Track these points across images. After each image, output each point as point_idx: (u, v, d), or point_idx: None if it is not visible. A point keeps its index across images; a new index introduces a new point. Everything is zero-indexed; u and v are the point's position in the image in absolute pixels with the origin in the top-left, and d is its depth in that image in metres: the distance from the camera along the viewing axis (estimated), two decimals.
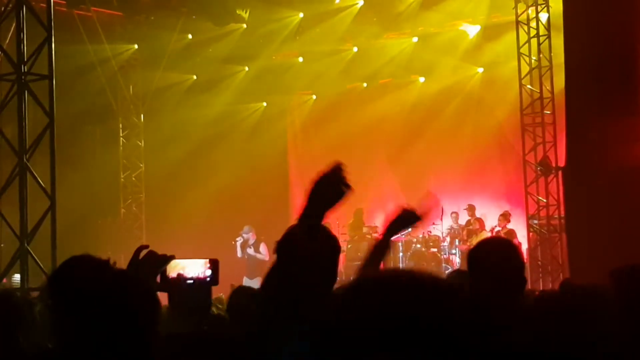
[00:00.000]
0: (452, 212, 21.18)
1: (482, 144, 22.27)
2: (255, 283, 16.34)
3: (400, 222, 3.90)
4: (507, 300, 3.65)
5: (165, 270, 3.64)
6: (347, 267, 21.52)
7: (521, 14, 19.12)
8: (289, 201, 25.45)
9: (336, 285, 3.59)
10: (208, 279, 3.68)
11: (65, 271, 3.37)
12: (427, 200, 3.99)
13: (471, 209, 20.96)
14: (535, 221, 19.18)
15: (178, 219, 22.50)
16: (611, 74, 12.72)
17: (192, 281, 3.68)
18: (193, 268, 3.74)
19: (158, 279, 3.63)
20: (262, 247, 19.87)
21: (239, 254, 19.85)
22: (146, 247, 3.67)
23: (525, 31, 19.14)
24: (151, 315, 2.98)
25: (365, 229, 22.18)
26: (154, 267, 3.60)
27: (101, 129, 22.60)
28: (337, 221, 22.30)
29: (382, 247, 3.94)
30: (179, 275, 3.72)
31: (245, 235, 20.13)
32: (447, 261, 20.71)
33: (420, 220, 3.90)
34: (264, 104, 25.28)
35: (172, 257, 3.65)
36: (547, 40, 18.87)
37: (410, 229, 3.94)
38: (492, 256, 3.71)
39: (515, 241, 19.03)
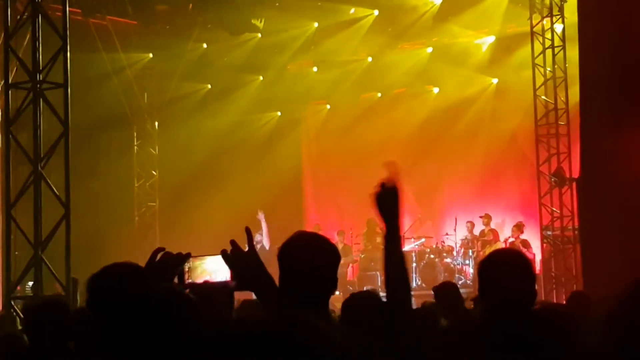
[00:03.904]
0: (468, 222, 21.13)
1: (496, 154, 22.21)
2: None
3: (385, 203, 3.67)
4: (517, 313, 3.63)
5: (182, 271, 3.66)
6: (360, 277, 21.49)
7: (536, 25, 19.09)
8: (303, 209, 25.45)
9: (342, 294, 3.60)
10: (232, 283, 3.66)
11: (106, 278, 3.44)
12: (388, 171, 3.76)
13: (487, 218, 20.92)
14: (549, 232, 19.12)
15: (192, 227, 22.52)
16: (626, 85, 12.69)
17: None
18: (220, 273, 3.73)
19: (175, 279, 3.66)
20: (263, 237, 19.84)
21: None
22: (162, 249, 3.71)
23: (540, 42, 19.11)
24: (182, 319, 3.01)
25: (379, 239, 22.11)
26: (172, 268, 3.62)
27: (116, 137, 22.66)
28: (350, 231, 22.30)
29: (391, 238, 3.67)
30: (205, 282, 3.73)
31: (258, 237, 20.02)
32: (460, 271, 20.66)
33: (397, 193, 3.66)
34: (279, 113, 25.29)
35: (189, 256, 3.68)
36: (562, 51, 18.84)
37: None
38: (503, 268, 3.67)
39: (529, 252, 19.00)
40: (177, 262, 3.66)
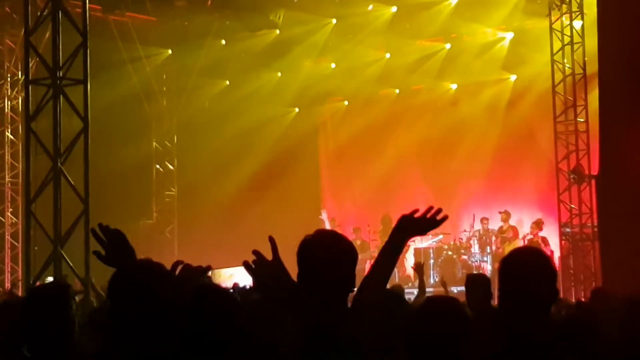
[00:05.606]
0: (483, 218, 21.08)
1: (515, 151, 22.13)
2: None
3: (404, 231, 3.75)
4: (538, 311, 3.62)
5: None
6: None
7: (555, 21, 19.02)
8: (321, 206, 25.46)
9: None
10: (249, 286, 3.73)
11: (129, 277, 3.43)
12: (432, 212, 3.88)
13: (506, 214, 20.84)
14: (568, 229, 19.06)
15: (210, 221, 22.59)
16: None
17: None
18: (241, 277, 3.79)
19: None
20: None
21: None
22: (181, 262, 3.71)
23: (559, 38, 19.04)
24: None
25: None
26: (192, 281, 3.64)
27: (134, 133, 22.71)
28: (368, 227, 22.28)
29: (390, 253, 3.71)
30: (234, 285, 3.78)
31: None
32: (478, 268, 20.60)
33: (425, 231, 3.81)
34: (296, 109, 25.30)
35: (209, 268, 3.69)
36: (581, 48, 18.75)
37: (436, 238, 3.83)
38: (524, 266, 3.66)
39: (547, 249, 18.95)
40: (197, 274, 3.68)
